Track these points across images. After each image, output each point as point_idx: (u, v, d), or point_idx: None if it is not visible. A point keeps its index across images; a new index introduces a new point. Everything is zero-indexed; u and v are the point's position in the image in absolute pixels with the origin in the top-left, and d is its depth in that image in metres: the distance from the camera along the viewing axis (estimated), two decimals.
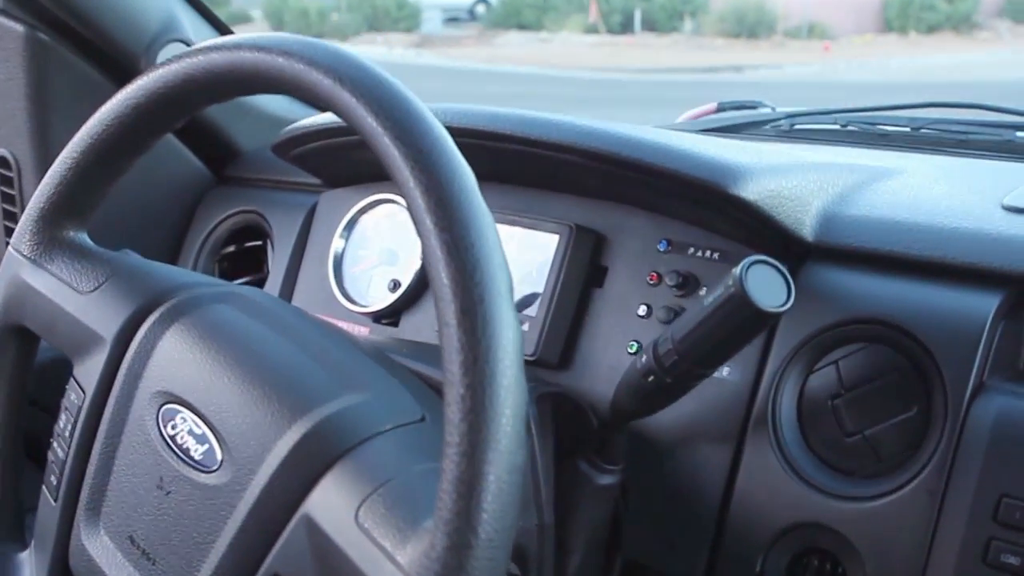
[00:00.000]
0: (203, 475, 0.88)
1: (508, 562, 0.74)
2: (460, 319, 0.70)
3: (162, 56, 1.53)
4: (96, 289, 0.97)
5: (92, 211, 1.01)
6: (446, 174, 0.74)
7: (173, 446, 0.90)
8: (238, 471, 0.86)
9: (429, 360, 1.04)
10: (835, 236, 1.13)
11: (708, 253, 1.17)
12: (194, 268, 1.66)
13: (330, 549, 0.80)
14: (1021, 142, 1.54)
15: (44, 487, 0.99)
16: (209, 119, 1.65)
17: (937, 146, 1.57)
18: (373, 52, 20.93)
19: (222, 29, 1.67)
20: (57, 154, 0.98)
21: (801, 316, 1.07)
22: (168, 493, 0.90)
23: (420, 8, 25.86)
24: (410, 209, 0.74)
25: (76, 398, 0.97)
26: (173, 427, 0.91)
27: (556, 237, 1.24)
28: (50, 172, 0.98)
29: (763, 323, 0.96)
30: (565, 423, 1.10)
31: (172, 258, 1.68)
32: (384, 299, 1.37)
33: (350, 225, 1.45)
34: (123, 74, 1.54)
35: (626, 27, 24.81)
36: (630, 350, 1.18)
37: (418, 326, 1.35)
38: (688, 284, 1.17)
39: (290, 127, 1.42)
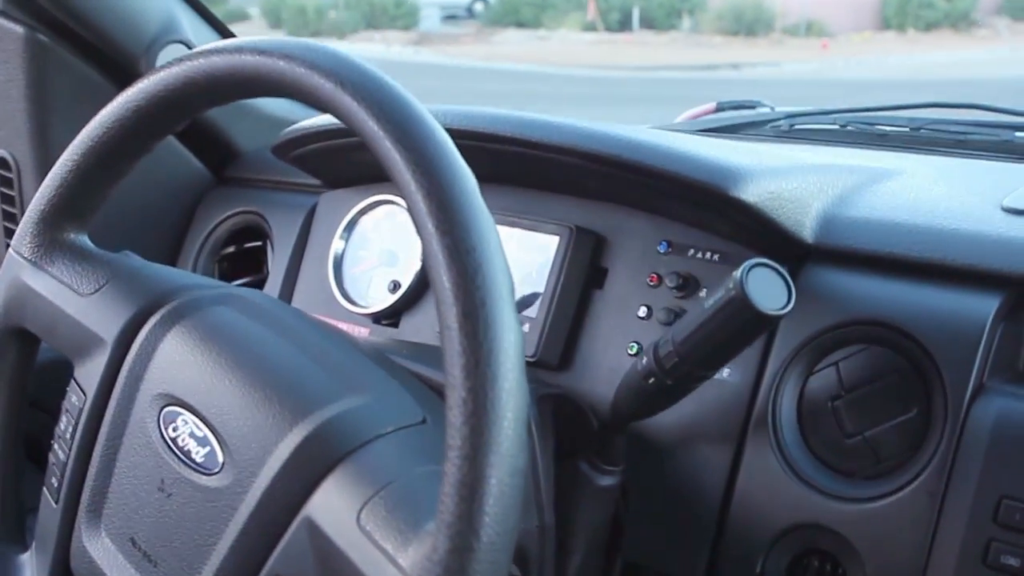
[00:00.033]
0: (204, 477, 0.88)
1: (510, 564, 0.74)
2: (462, 323, 0.71)
3: (162, 57, 1.53)
4: (97, 291, 0.97)
5: (93, 213, 1.01)
6: (447, 178, 0.74)
7: (174, 448, 0.90)
8: (239, 473, 0.86)
9: (429, 361, 1.05)
10: (835, 238, 1.13)
11: (708, 255, 1.17)
12: (194, 269, 1.66)
13: (332, 551, 0.80)
14: (1020, 142, 1.54)
15: (45, 489, 0.99)
16: (209, 120, 1.65)
17: (936, 146, 1.57)
18: (371, 50, 20.94)
19: (221, 30, 1.67)
20: (57, 155, 0.98)
21: (801, 318, 1.08)
22: (169, 495, 0.90)
23: (418, 6, 25.86)
24: (411, 213, 0.74)
25: (77, 400, 0.97)
26: (174, 429, 0.91)
27: (556, 238, 1.24)
28: (51, 174, 0.98)
29: (764, 326, 0.97)
30: (565, 424, 1.10)
31: (172, 259, 1.68)
32: (384, 300, 1.37)
33: (350, 226, 1.45)
34: (123, 75, 1.54)
35: (624, 25, 24.81)
36: (630, 351, 1.18)
37: (418, 327, 1.35)
38: (688, 285, 1.17)
39: (290, 128, 1.42)
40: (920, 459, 1.03)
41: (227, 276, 1.67)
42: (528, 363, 1.19)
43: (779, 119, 1.78)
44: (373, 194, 1.43)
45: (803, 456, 1.08)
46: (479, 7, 27.43)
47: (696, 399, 1.08)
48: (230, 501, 0.86)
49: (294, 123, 1.44)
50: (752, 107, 1.96)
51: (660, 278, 1.19)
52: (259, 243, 1.66)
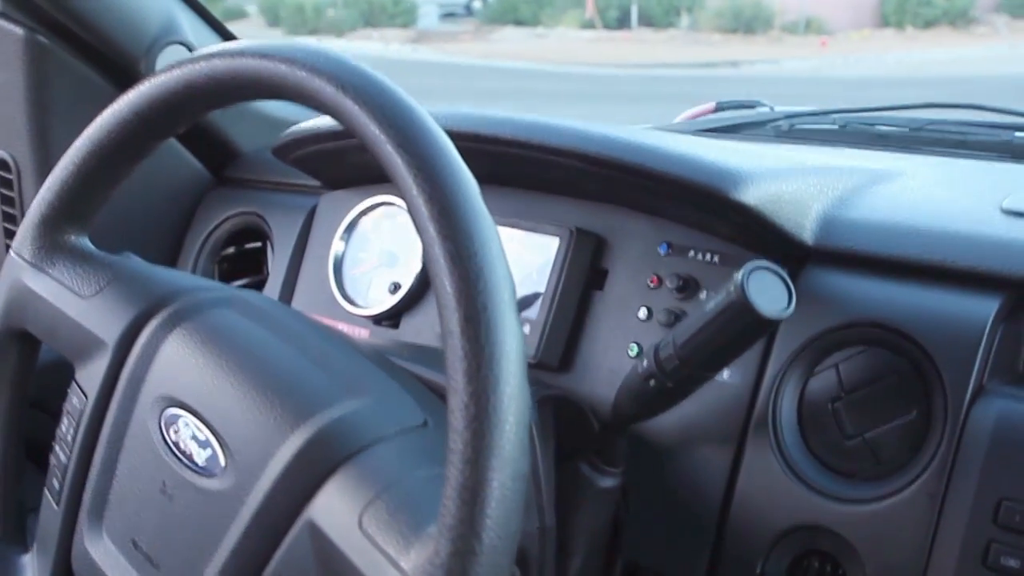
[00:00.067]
0: (206, 480, 0.88)
1: (512, 567, 0.74)
2: (464, 327, 0.71)
3: (162, 58, 1.53)
4: (98, 293, 0.97)
5: (93, 215, 1.01)
6: (449, 183, 0.74)
7: (176, 451, 0.90)
8: (241, 476, 0.86)
9: (430, 363, 1.05)
10: (835, 239, 1.13)
11: (709, 256, 1.17)
12: (194, 269, 1.66)
13: (334, 554, 0.80)
14: (1019, 143, 1.54)
15: (46, 490, 1.00)
16: (209, 120, 1.65)
17: (936, 147, 1.57)
18: (369, 48, 20.96)
19: (221, 31, 1.67)
20: (57, 157, 0.98)
21: (801, 319, 1.08)
22: (171, 498, 0.90)
23: (416, 4, 25.88)
24: (413, 217, 0.74)
25: (78, 402, 0.97)
26: (176, 432, 0.91)
27: (556, 240, 1.24)
28: (51, 177, 0.98)
29: (764, 329, 0.97)
30: (566, 426, 1.10)
31: (172, 259, 1.68)
32: (384, 301, 1.37)
33: (350, 227, 1.45)
34: (123, 76, 1.54)
35: (622, 23, 24.82)
36: (631, 353, 1.19)
37: (418, 328, 1.35)
38: (689, 287, 1.17)
39: (290, 130, 1.42)
40: (920, 460, 1.03)
41: (227, 277, 1.67)
42: (529, 365, 1.19)
43: (779, 119, 1.78)
44: (373, 195, 1.43)
45: (803, 457, 1.08)
46: (477, 5, 27.46)
47: (696, 401, 1.08)
48: (232, 504, 0.86)
49: (294, 124, 1.44)
50: (752, 107, 1.96)
51: (660, 279, 1.19)
52: (259, 244, 1.66)
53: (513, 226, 1.28)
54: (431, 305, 1.34)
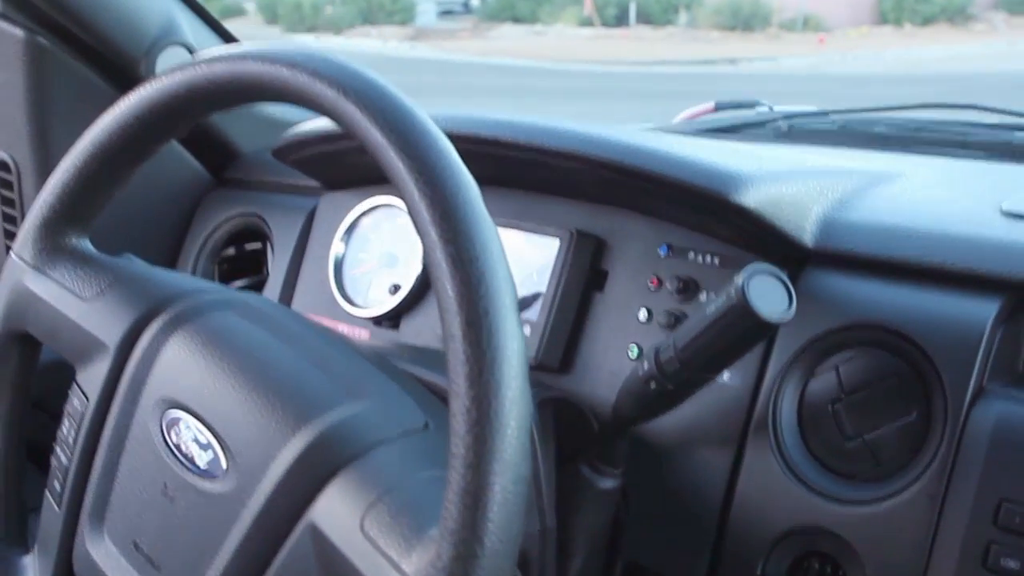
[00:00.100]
0: (207, 482, 0.88)
1: (514, 571, 0.74)
2: (465, 331, 0.71)
3: (162, 59, 1.53)
4: (99, 296, 0.97)
5: (94, 218, 1.01)
6: (451, 187, 0.74)
7: (177, 453, 0.90)
8: (243, 479, 0.86)
9: (431, 365, 1.05)
10: (835, 241, 1.13)
11: (709, 258, 1.17)
12: (194, 270, 1.66)
13: (335, 557, 0.80)
14: (1018, 143, 1.55)
15: (47, 492, 1.00)
16: (208, 121, 1.65)
17: (935, 147, 1.57)
18: (367, 45, 20.94)
19: (221, 32, 1.67)
20: (57, 158, 0.98)
21: (801, 321, 1.08)
22: (173, 500, 0.90)
23: (414, 1, 25.86)
24: (415, 221, 0.75)
25: (79, 404, 0.97)
26: (177, 434, 0.91)
27: (557, 241, 1.25)
28: (53, 179, 0.98)
29: (765, 332, 0.97)
30: (567, 428, 1.10)
31: (171, 260, 1.68)
32: (385, 302, 1.37)
33: (351, 228, 1.45)
34: (123, 78, 1.54)
35: (621, 20, 24.83)
36: (631, 354, 1.19)
37: (418, 329, 1.35)
38: (689, 289, 1.17)
39: (290, 132, 1.42)
40: (920, 462, 1.03)
41: (227, 278, 1.68)
42: (529, 366, 1.19)
43: (778, 119, 1.78)
44: (373, 196, 1.44)
45: (803, 459, 1.08)
46: (475, 2, 27.47)
47: (697, 402, 1.08)
48: (233, 506, 0.86)
49: (294, 124, 1.44)
50: (751, 107, 1.96)
51: (661, 281, 1.19)
52: (259, 245, 1.66)
53: (513, 227, 1.28)
54: (431, 306, 1.34)
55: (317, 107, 0.81)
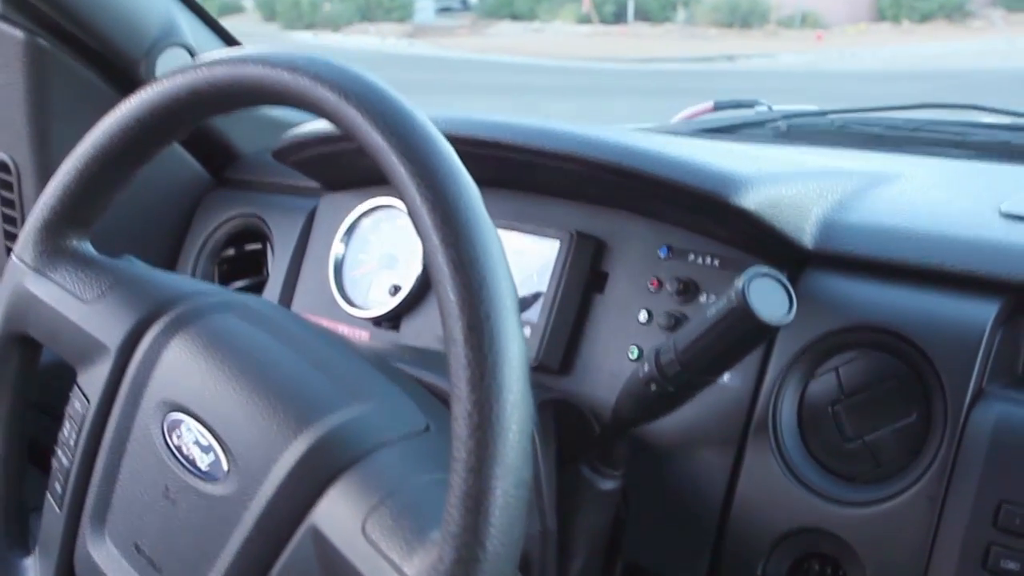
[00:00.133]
0: (209, 485, 0.88)
1: (515, 573, 0.74)
2: (467, 335, 0.71)
3: (162, 61, 1.53)
4: (100, 298, 0.97)
5: (95, 220, 1.02)
6: (452, 191, 0.74)
7: (179, 456, 0.91)
8: (244, 481, 0.86)
9: (432, 367, 1.05)
10: (835, 243, 1.13)
11: (709, 260, 1.17)
12: (193, 271, 1.66)
13: (337, 560, 0.80)
14: (1017, 143, 1.55)
15: (48, 494, 1.00)
16: (208, 122, 1.64)
17: (934, 147, 1.57)
18: (365, 42, 20.92)
19: (221, 33, 1.67)
20: (57, 159, 0.98)
21: (801, 323, 1.08)
22: (174, 502, 0.90)
23: None
24: (416, 225, 0.75)
25: (80, 406, 0.97)
26: (178, 437, 0.91)
27: (557, 243, 1.25)
28: (53, 182, 0.98)
29: (765, 335, 0.97)
30: (567, 429, 1.11)
31: (171, 261, 1.68)
32: (385, 303, 1.38)
33: (351, 229, 1.45)
34: (123, 79, 1.54)
35: (619, 17, 24.83)
36: (631, 356, 1.19)
37: (419, 330, 1.35)
38: (689, 290, 1.17)
39: (290, 133, 1.42)
40: (920, 463, 1.03)
41: (227, 278, 1.68)
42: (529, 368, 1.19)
43: (777, 119, 1.78)
44: (373, 197, 1.44)
45: (803, 460, 1.09)
46: None
47: (697, 404, 1.08)
48: (235, 509, 0.86)
49: (293, 125, 1.44)
50: (750, 106, 1.96)
51: (661, 282, 1.19)
52: (259, 246, 1.66)
53: (514, 229, 1.29)
54: (431, 307, 1.34)
55: (318, 111, 0.82)
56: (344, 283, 1.44)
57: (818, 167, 1.27)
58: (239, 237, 1.67)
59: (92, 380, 0.97)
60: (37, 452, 1.09)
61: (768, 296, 0.94)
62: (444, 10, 27.04)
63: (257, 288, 1.59)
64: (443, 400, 0.97)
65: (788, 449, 1.09)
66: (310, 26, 24.07)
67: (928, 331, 1.04)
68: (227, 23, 1.69)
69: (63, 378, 1.00)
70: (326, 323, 1.40)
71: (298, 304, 1.49)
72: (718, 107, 1.99)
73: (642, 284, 1.20)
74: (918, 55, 18.30)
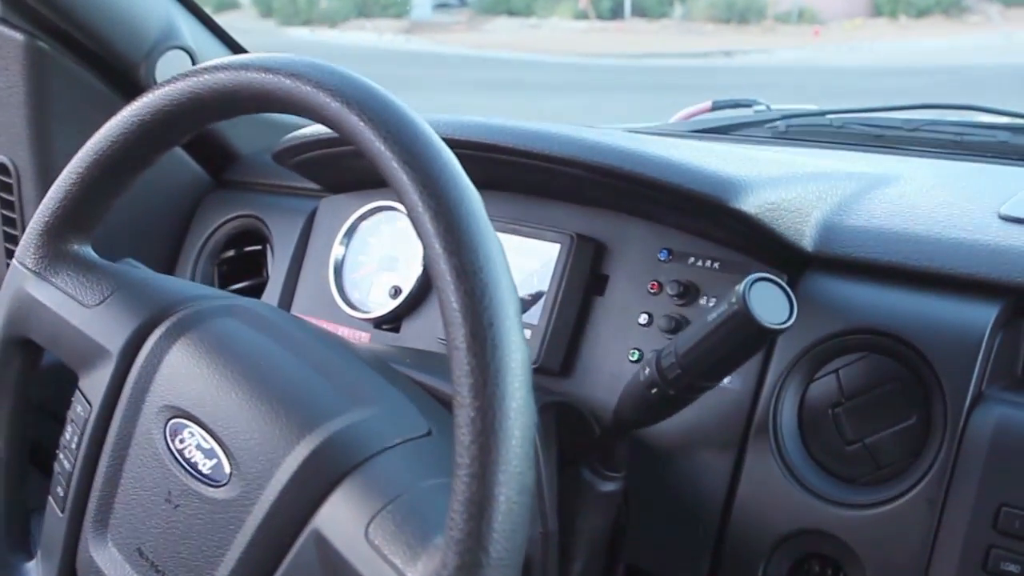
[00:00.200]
0: (212, 489, 0.88)
1: None
2: (470, 343, 0.71)
3: (162, 63, 1.53)
4: (101, 303, 0.98)
5: (96, 224, 1.02)
6: (454, 199, 0.75)
7: (181, 460, 0.91)
8: (247, 486, 0.86)
9: (433, 370, 1.05)
10: (834, 246, 1.14)
11: (709, 263, 1.18)
12: (193, 272, 1.66)
13: (340, 565, 0.80)
14: (1016, 144, 1.55)
15: (50, 498, 1.00)
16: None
17: (933, 148, 1.58)
18: (362, 38, 20.89)
19: (221, 36, 1.67)
20: (57, 161, 0.98)
21: (801, 326, 1.08)
22: (177, 506, 0.90)
23: None
24: (418, 232, 0.75)
25: (82, 411, 0.97)
26: (181, 441, 0.91)
27: (557, 246, 1.25)
28: (55, 186, 0.98)
29: (766, 339, 0.97)
30: (568, 432, 1.11)
31: (171, 262, 1.68)
32: (385, 305, 1.38)
33: (351, 231, 1.45)
34: (123, 81, 1.54)
35: (616, 13, 24.80)
36: (631, 358, 1.19)
37: (419, 332, 1.36)
38: (689, 293, 1.17)
39: (291, 135, 1.42)
40: (920, 466, 1.03)
41: (227, 280, 1.67)
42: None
43: (775, 119, 1.79)
44: (373, 199, 1.44)
45: (804, 462, 1.09)
46: None
47: (698, 406, 1.08)
48: (238, 513, 0.86)
49: (293, 127, 1.44)
50: (748, 106, 1.96)
51: (661, 285, 1.19)
52: (259, 247, 1.66)
53: (514, 232, 1.29)
54: (432, 309, 1.35)
55: (320, 118, 0.82)
56: (344, 285, 1.44)
57: (817, 169, 1.27)
58: (239, 239, 1.67)
59: (94, 384, 0.97)
60: (38, 454, 1.09)
61: (769, 301, 0.94)
62: (441, 6, 26.99)
63: (257, 290, 1.58)
64: (444, 404, 0.97)
65: (788, 451, 1.09)
66: (307, 22, 24.03)
67: (928, 334, 1.05)
68: (223, 19, 1.69)
69: (66, 380, 1.00)
70: (326, 325, 1.40)
71: (298, 306, 1.49)
72: (716, 107, 1.99)
73: (642, 287, 1.21)
74: (915, 51, 18.30)
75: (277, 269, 1.54)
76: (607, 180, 1.16)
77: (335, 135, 1.31)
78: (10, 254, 1.61)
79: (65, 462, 0.98)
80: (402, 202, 0.76)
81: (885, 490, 1.05)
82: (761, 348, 1.03)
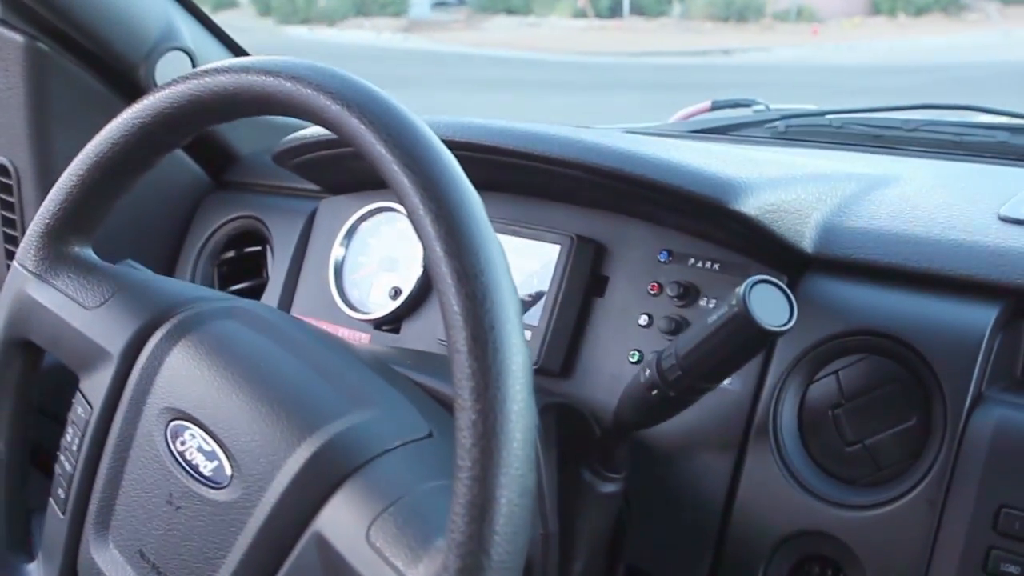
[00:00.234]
0: (213, 491, 0.88)
1: None
2: (471, 346, 0.71)
3: (161, 64, 1.53)
4: (102, 304, 0.98)
5: (97, 226, 1.02)
6: (455, 202, 0.75)
7: (182, 462, 0.91)
8: (248, 488, 0.86)
9: (433, 372, 1.05)
10: (834, 248, 1.14)
11: (709, 264, 1.18)
12: (193, 273, 1.66)
13: (341, 567, 0.81)
14: (1015, 144, 1.55)
15: (52, 499, 1.00)
16: None
17: (932, 148, 1.58)
18: (360, 37, 20.88)
19: (221, 36, 1.67)
20: (57, 162, 0.99)
21: (802, 327, 1.08)
22: (178, 508, 0.90)
23: None
24: (419, 235, 0.75)
25: (83, 412, 0.97)
26: (182, 443, 0.91)
27: (557, 247, 1.25)
28: (55, 188, 0.98)
29: (766, 341, 0.97)
30: (568, 432, 1.11)
31: (171, 263, 1.68)
32: (385, 306, 1.38)
33: (350, 232, 1.45)
34: (123, 83, 1.54)
35: (615, 11, 24.79)
36: (632, 359, 1.19)
37: (419, 333, 1.36)
38: (689, 294, 1.18)
39: (290, 137, 1.42)
40: (920, 467, 1.04)
41: (226, 281, 1.67)
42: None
43: (775, 119, 1.78)
44: (373, 200, 1.44)
45: (804, 464, 1.09)
46: None
47: (698, 407, 1.08)
48: (239, 515, 0.86)
49: (293, 127, 1.44)
50: (747, 105, 1.96)
51: (661, 287, 1.19)
52: (259, 248, 1.66)
53: (514, 233, 1.29)
54: (432, 310, 1.35)
55: (320, 121, 0.82)
56: (344, 286, 1.44)
57: (817, 171, 1.27)
58: (239, 239, 1.67)
59: (95, 386, 0.97)
60: (39, 455, 1.09)
61: (769, 303, 0.94)
62: (439, 5, 26.97)
63: (257, 291, 1.58)
64: (445, 405, 0.97)
65: (788, 452, 1.09)
66: (305, 21, 24.02)
67: (927, 335, 1.05)
68: (221, 18, 1.69)
69: (66, 381, 1.00)
70: (326, 326, 1.40)
71: (298, 307, 1.49)
72: (715, 107, 1.99)
73: (642, 288, 1.21)
74: (914, 48, 18.30)
75: (277, 270, 1.54)
76: (607, 182, 1.16)
77: (335, 136, 1.32)
78: (10, 255, 1.61)
79: (66, 464, 0.98)
80: (403, 205, 0.76)
81: (885, 491, 1.05)
82: (761, 350, 1.04)
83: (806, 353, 1.10)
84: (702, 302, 1.17)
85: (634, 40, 20.40)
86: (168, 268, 1.67)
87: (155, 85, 1.49)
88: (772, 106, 1.93)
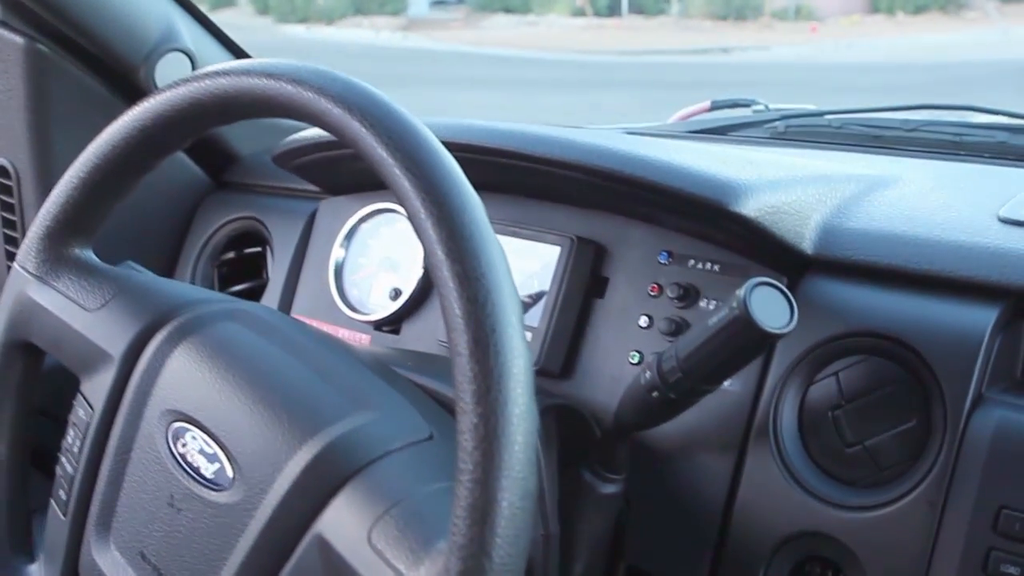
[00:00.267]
0: (214, 493, 0.89)
1: None
2: (472, 349, 0.72)
3: (161, 65, 1.53)
4: (103, 306, 0.98)
5: (97, 228, 1.02)
6: (457, 206, 0.75)
7: (183, 464, 0.91)
8: (249, 490, 0.86)
9: (434, 373, 1.05)
10: (834, 249, 1.14)
11: (709, 265, 1.18)
12: (193, 274, 1.66)
13: (343, 569, 0.81)
14: (1015, 145, 1.55)
15: (53, 501, 1.00)
16: None
17: (932, 148, 1.58)
18: (359, 35, 20.87)
19: (221, 38, 1.67)
20: (57, 164, 0.99)
21: (801, 328, 1.07)
22: (179, 511, 0.90)
23: None
24: (421, 239, 0.75)
25: (84, 414, 0.97)
26: (183, 445, 0.91)
27: (558, 248, 1.25)
28: (56, 190, 0.98)
29: (766, 343, 0.98)
30: (568, 433, 1.11)
31: (171, 264, 1.68)
32: (385, 307, 1.38)
33: (351, 233, 1.45)
34: (123, 84, 1.54)
35: (613, 9, 24.77)
36: (632, 360, 1.19)
37: (419, 334, 1.36)
38: (689, 296, 1.18)
39: (291, 138, 1.42)
40: (920, 468, 1.04)
41: (226, 282, 1.67)
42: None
43: (774, 120, 1.78)
44: (373, 201, 1.44)
45: (804, 465, 1.09)
46: None
47: (698, 409, 1.08)
48: (240, 517, 0.87)
49: (293, 128, 1.44)
50: (747, 105, 1.96)
51: (661, 288, 1.19)
52: (259, 249, 1.66)
53: (514, 234, 1.29)
54: (432, 311, 1.35)
55: (321, 124, 0.82)
56: (344, 287, 1.45)
57: (817, 172, 1.27)
58: (239, 240, 1.67)
59: (96, 388, 0.97)
60: (40, 457, 1.09)
61: (770, 305, 0.94)
62: (438, 3, 26.97)
63: (257, 292, 1.58)
64: (446, 407, 0.98)
65: (789, 453, 1.10)
66: (303, 19, 24.00)
67: (927, 336, 1.05)
68: (220, 17, 1.69)
69: (67, 383, 1.00)
70: (326, 327, 1.40)
71: (298, 308, 1.49)
72: (715, 106, 1.99)
73: (642, 289, 1.21)
74: (913, 47, 18.28)
75: (277, 271, 1.54)
76: (607, 184, 1.16)
77: (334, 138, 1.32)
78: (10, 257, 1.61)
79: (67, 465, 0.99)
80: (404, 208, 0.76)
81: (885, 492, 1.05)
82: (762, 352, 1.04)
83: (806, 354, 1.10)
84: (702, 303, 1.17)
85: (633, 38, 20.40)
86: (168, 269, 1.67)
87: (155, 86, 1.49)
88: (771, 106, 1.93)
